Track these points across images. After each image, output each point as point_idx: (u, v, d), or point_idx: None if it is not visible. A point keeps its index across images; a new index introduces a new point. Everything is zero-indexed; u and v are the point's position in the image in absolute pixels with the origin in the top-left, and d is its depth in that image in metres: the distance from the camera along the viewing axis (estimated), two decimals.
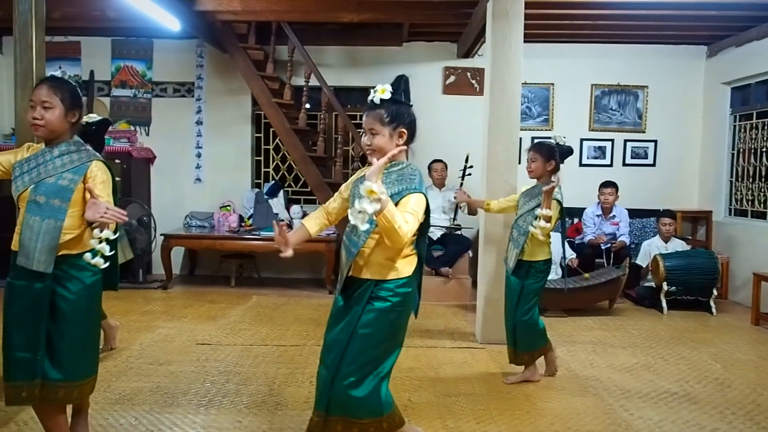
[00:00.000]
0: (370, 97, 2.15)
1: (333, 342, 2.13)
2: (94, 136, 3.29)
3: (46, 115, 2.25)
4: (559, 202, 3.33)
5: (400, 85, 1.82)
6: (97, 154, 2.37)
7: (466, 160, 5.65)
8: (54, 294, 2.22)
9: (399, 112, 2.13)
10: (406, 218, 1.96)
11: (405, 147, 2.08)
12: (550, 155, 3.40)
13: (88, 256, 2.18)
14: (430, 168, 6.04)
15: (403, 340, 2.21)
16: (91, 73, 6.63)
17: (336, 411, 2.09)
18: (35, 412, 2.37)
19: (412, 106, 2.21)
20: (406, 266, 2.13)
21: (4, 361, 2.25)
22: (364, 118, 2.17)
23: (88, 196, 2.22)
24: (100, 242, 2.14)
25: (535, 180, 3.47)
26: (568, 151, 3.50)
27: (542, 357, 3.52)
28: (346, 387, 2.07)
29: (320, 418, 2.11)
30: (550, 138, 3.54)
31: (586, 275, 5.34)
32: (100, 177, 2.28)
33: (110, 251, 2.16)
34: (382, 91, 2.12)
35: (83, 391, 2.34)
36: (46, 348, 2.21)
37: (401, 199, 2.05)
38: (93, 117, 3.20)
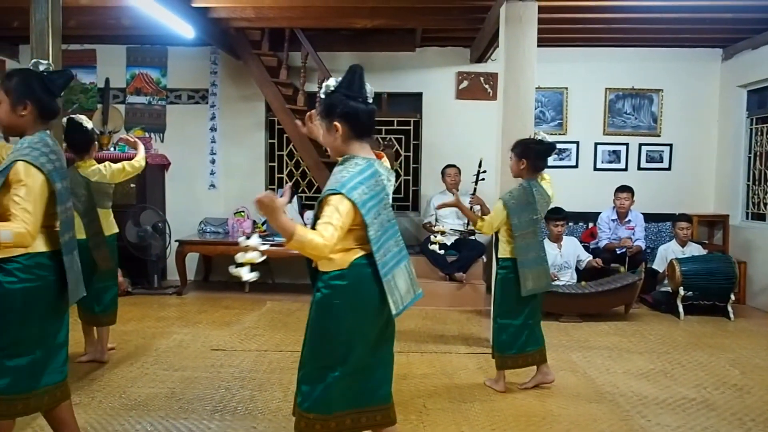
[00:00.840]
0: None
1: None
2: (67, 136, 3.35)
3: None
4: (505, 204, 3.34)
5: (354, 78, 1.81)
6: (28, 154, 2.12)
7: (480, 165, 5.63)
8: None
9: (330, 104, 2.04)
10: (322, 232, 1.87)
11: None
12: (521, 154, 3.39)
13: None
14: (443, 173, 6.04)
15: (364, 340, 2.07)
16: (107, 80, 6.71)
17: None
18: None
19: (351, 97, 2.02)
20: (343, 258, 2.02)
21: None
22: None
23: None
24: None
25: (519, 179, 3.49)
26: (548, 149, 3.41)
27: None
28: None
29: None
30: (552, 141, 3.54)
31: (622, 269, 5.30)
32: (18, 180, 2.07)
33: None
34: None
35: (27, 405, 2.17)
36: None
37: (322, 199, 1.98)
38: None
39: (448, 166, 6.03)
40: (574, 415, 3.07)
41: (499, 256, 3.47)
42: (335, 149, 2.10)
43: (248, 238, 2.07)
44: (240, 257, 2.06)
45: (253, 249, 2.05)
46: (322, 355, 2.08)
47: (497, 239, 3.51)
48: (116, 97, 6.78)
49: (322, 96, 2.07)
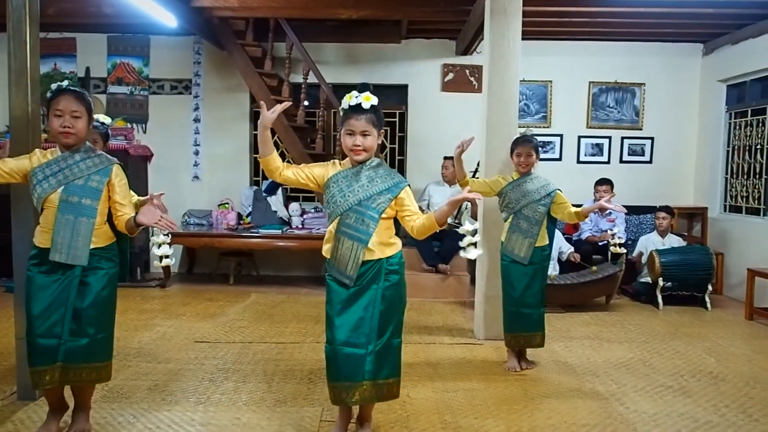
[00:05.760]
0: (352, 102, 2.37)
1: (359, 320, 2.38)
2: None
3: (76, 124, 2.46)
4: None
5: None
6: (112, 158, 2.61)
7: (478, 165, 5.63)
8: (81, 284, 2.46)
9: (382, 116, 2.45)
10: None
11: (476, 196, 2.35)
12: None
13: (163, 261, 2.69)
14: (443, 165, 6.05)
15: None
16: (87, 69, 6.62)
17: (369, 377, 2.38)
18: (75, 390, 2.64)
19: None
20: (396, 241, 2.50)
21: (29, 348, 2.45)
22: (352, 121, 2.37)
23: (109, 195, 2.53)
24: (160, 245, 2.66)
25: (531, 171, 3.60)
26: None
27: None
28: (382, 352, 2.41)
29: (365, 386, 2.38)
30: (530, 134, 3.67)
31: (594, 268, 5.35)
32: (122, 179, 2.57)
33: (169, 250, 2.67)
34: (368, 98, 2.37)
35: (102, 373, 2.56)
36: (73, 333, 2.44)
37: (401, 191, 2.43)
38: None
39: (447, 158, 6.03)
40: (554, 403, 3.12)
41: (544, 243, 3.55)
42: (372, 152, 2.45)
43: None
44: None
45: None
46: (401, 323, 2.51)
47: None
48: (97, 87, 6.69)
49: (368, 107, 2.36)
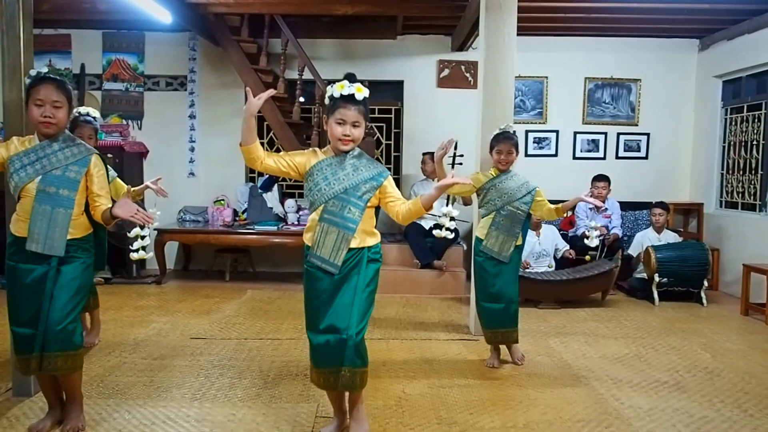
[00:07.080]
0: (345, 92, 2.36)
1: (341, 306, 2.38)
2: None
3: (57, 114, 2.45)
4: None
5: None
6: (91, 147, 2.59)
7: (455, 148, 5.61)
8: (57, 273, 2.46)
9: (368, 107, 2.46)
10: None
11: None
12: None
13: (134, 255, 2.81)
14: (422, 160, 6.04)
15: None
16: (82, 66, 6.59)
17: (348, 363, 2.37)
18: (60, 381, 2.60)
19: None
20: (377, 232, 2.54)
21: (12, 336, 2.53)
22: (344, 110, 2.37)
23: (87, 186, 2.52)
24: (135, 239, 2.70)
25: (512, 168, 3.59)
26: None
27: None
28: (361, 340, 2.40)
29: (345, 372, 2.38)
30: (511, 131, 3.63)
31: (587, 257, 5.35)
32: (100, 169, 2.54)
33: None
34: (360, 90, 2.37)
35: (77, 361, 2.53)
36: (48, 322, 2.43)
37: (384, 179, 2.47)
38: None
39: (426, 153, 6.04)
40: (550, 398, 3.12)
41: (519, 243, 3.56)
42: (358, 142, 2.46)
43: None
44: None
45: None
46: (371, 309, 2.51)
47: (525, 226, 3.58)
48: (92, 84, 6.66)
49: (361, 99, 2.37)
